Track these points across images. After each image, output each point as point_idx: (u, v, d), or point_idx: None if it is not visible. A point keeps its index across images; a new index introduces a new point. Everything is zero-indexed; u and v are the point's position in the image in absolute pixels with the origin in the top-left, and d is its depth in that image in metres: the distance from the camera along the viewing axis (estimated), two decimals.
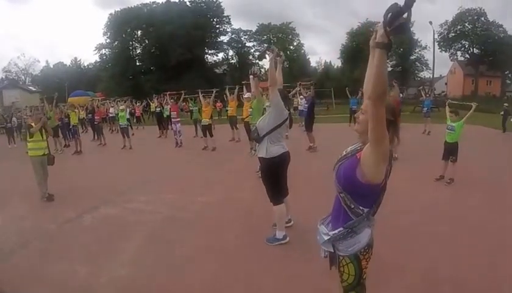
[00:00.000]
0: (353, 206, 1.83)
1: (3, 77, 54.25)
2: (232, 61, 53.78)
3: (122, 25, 49.02)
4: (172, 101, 14.09)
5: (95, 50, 52.42)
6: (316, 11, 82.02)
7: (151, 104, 21.73)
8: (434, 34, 33.80)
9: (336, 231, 1.88)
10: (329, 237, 1.91)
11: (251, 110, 8.26)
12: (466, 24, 41.83)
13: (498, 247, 3.87)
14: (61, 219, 5.33)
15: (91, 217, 5.44)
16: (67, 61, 59.89)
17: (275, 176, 4.03)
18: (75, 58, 61.29)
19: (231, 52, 53.71)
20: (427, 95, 16.83)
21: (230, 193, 6.43)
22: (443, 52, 44.47)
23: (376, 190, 1.80)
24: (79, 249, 4.29)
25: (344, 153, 1.93)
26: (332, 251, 1.95)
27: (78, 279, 3.57)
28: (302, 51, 52.17)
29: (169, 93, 16.71)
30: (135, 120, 21.97)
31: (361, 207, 1.82)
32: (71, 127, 12.98)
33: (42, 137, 6.56)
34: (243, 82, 14.25)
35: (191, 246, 4.25)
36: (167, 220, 5.19)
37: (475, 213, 4.97)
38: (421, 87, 22.66)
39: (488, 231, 4.33)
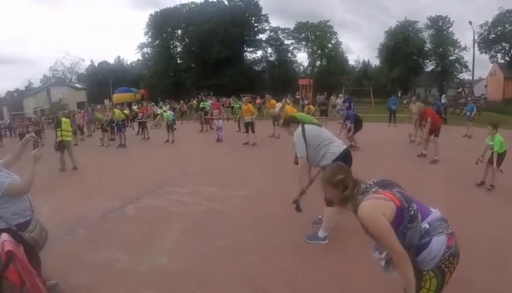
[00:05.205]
0: None
1: (51, 75, 57.96)
2: (271, 58, 53.83)
3: (163, 25, 50.82)
4: (214, 98, 14.37)
5: (137, 49, 54.74)
6: (346, 7, 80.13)
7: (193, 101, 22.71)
8: (474, 35, 31.11)
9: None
10: (383, 260, 1.85)
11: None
12: (507, 26, 38.68)
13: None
14: (105, 209, 5.49)
15: (135, 207, 5.57)
16: (111, 60, 62.72)
17: None
18: (119, 56, 64.39)
19: (269, 50, 53.78)
20: (469, 99, 15.75)
21: (267, 187, 6.37)
22: (483, 53, 41.52)
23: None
24: (122, 238, 4.38)
25: None
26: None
27: (119, 267, 3.64)
28: (340, 49, 51.01)
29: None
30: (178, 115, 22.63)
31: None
32: (115, 123, 13.38)
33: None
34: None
35: (230, 239, 4.22)
36: (208, 212, 5.20)
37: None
38: (460, 89, 21.27)
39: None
